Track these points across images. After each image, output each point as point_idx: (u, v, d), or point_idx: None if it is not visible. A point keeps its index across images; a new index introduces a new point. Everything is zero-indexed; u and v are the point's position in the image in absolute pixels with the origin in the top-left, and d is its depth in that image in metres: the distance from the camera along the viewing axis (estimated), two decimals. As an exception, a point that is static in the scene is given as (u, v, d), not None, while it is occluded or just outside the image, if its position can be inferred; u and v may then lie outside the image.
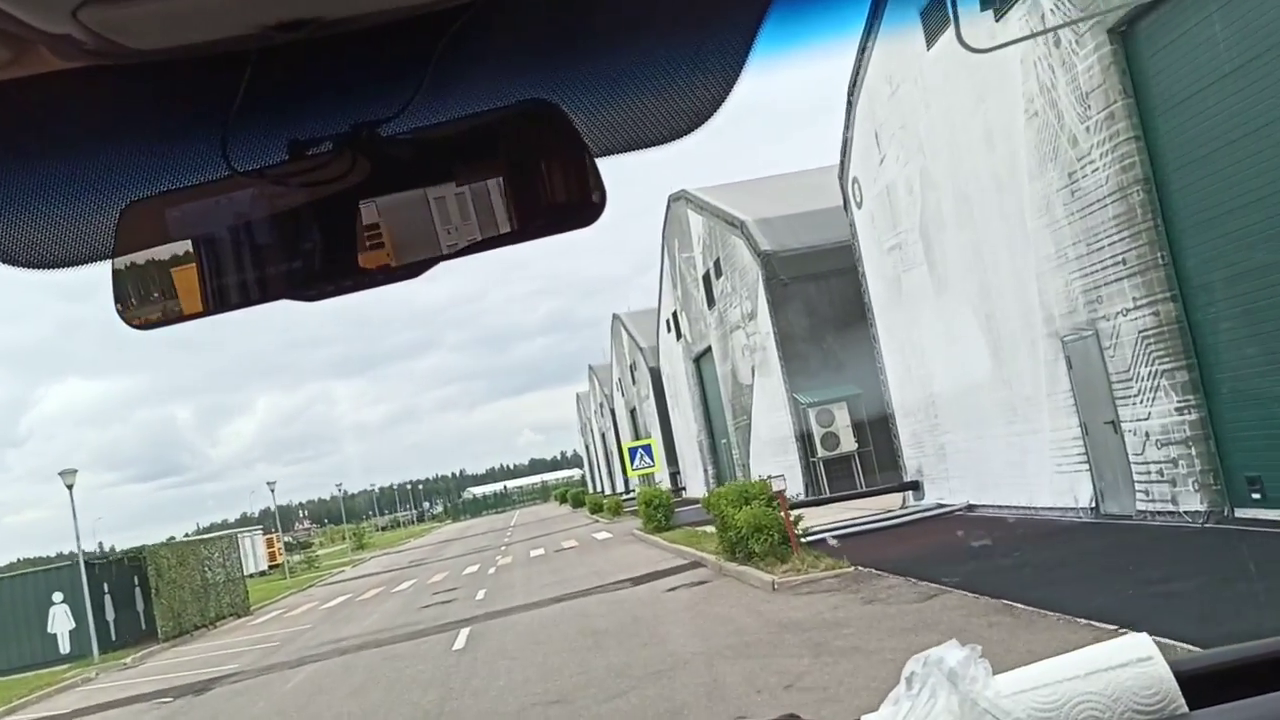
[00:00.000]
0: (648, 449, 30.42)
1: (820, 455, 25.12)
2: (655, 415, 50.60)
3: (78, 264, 0.93)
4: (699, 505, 31.72)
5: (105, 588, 28.67)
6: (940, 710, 1.23)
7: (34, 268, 0.92)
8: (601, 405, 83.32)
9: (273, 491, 48.75)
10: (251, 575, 67.39)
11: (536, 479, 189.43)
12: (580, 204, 0.89)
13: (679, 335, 40.76)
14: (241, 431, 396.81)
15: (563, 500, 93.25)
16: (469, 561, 37.01)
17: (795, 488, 25.35)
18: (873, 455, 25.21)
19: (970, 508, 15.94)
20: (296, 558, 69.41)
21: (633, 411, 62.71)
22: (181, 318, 0.90)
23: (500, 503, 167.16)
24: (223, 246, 0.89)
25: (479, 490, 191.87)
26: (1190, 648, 5.25)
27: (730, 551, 16.01)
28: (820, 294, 26.11)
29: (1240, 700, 1.20)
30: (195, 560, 31.57)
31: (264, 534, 76.78)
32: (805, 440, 25.82)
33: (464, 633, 15.91)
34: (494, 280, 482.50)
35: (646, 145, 0.94)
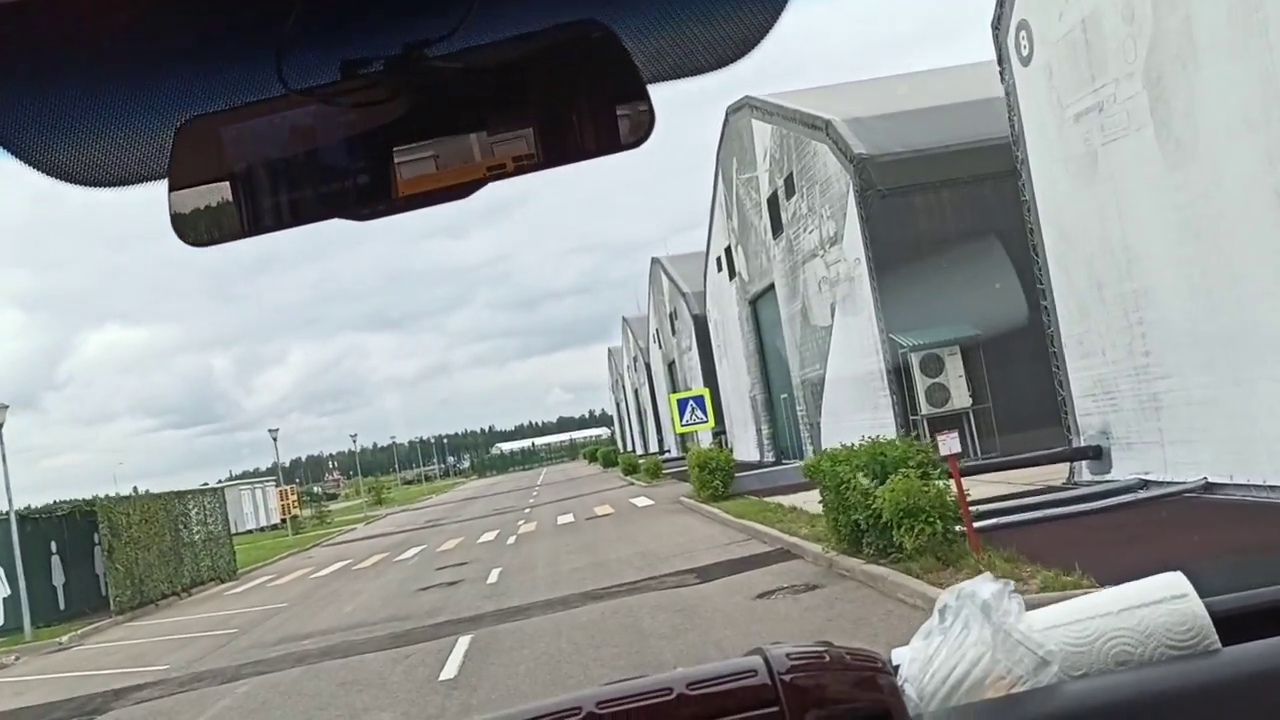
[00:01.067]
0: (700, 401, 25.43)
1: (924, 413, 20.00)
2: (698, 368, 45.54)
3: (135, 182, 0.94)
4: (753, 471, 27.06)
5: (53, 547, 24.06)
6: (973, 641, 1.25)
7: (92, 185, 0.93)
8: (635, 359, 78.36)
9: (275, 440, 44.28)
10: (262, 529, 63.51)
11: (565, 437, 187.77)
12: (629, 125, 0.88)
13: (732, 274, 35.64)
14: (275, 382, 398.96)
15: (592, 459, 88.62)
16: (487, 526, 32.26)
17: (889, 452, 20.27)
18: (991, 413, 20.06)
19: (1209, 486, 10.81)
20: (308, 512, 65.22)
21: (671, 365, 57.66)
22: (235, 235, 0.89)
23: (528, 460, 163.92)
24: (276, 165, 0.89)
25: (507, 446, 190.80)
26: None
27: (850, 541, 11.00)
28: (930, 209, 20.87)
29: (1275, 638, 1.21)
30: (165, 517, 26.89)
31: (276, 486, 72.76)
32: (903, 394, 20.70)
33: (460, 648, 11.01)
34: (525, 239, 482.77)
35: (692, 73, 0.93)
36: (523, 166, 0.90)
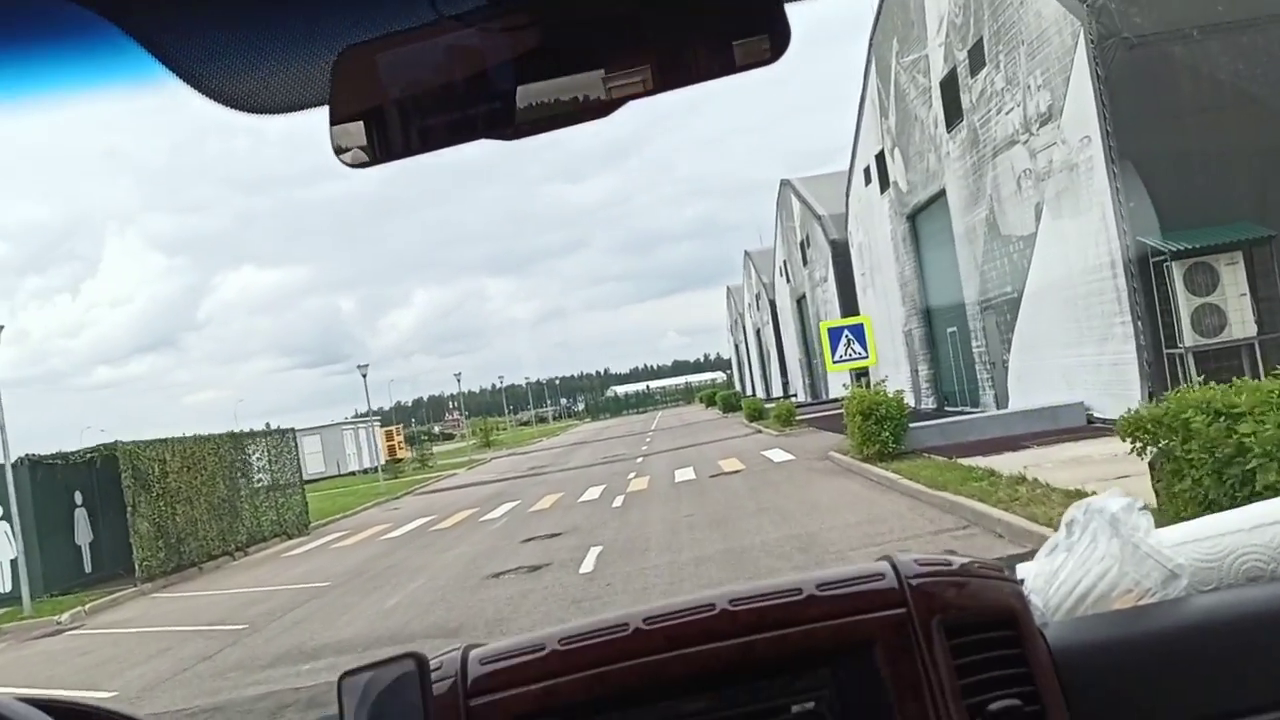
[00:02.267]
0: (857, 331, 20.08)
1: (1188, 344, 14.36)
2: (835, 300, 40.03)
3: (296, 108, 0.98)
4: (920, 423, 21.71)
5: (77, 499, 20.18)
6: (1100, 555, 1.25)
7: (257, 112, 0.97)
8: (758, 296, 72.82)
9: (364, 376, 40.20)
10: (365, 471, 60.43)
11: (680, 380, 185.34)
12: (767, 37, 0.89)
13: (885, 185, 29.94)
14: (399, 323, 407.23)
15: (710, 402, 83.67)
16: (593, 478, 27.57)
17: (1131, 397, 14.73)
18: (1286, 346, 14.31)
19: None
20: (412, 454, 61.93)
21: (800, 300, 52.15)
22: (390, 156, 0.94)
23: (642, 402, 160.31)
24: (430, 88, 0.94)
25: (622, 389, 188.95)
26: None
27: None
28: (1196, 64, 15.01)
29: None
30: (216, 463, 22.83)
31: (381, 425, 69.80)
32: (1153, 320, 15.05)
33: None
34: (642, 182, 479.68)
35: None
36: (651, 87, 0.91)
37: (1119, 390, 16.11)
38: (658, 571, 11.18)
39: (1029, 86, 17.97)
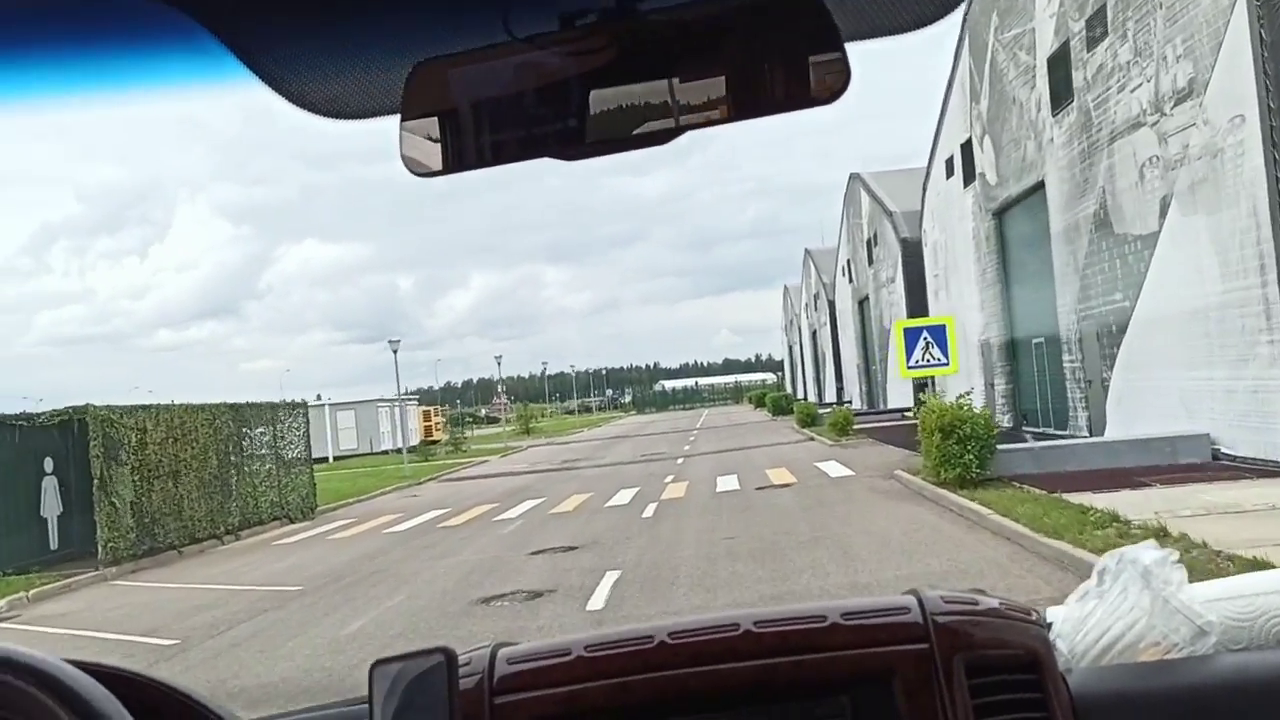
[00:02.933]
0: (938, 334, 17.48)
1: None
2: (903, 303, 37.20)
3: (369, 115, 1.02)
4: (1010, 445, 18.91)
5: (47, 466, 18.05)
6: (1130, 606, 1.25)
7: (331, 117, 1.02)
8: (816, 296, 69.88)
9: (395, 352, 37.99)
10: (398, 451, 58.56)
11: (730, 379, 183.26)
12: (822, 80, 0.91)
13: (970, 177, 27.13)
14: (455, 305, 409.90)
15: (759, 403, 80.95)
16: (626, 479, 25.14)
17: (1274, 432, 11.95)
18: None
19: None
20: (445, 437, 59.87)
21: (863, 302, 49.25)
22: (454, 169, 0.97)
23: (690, 399, 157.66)
24: (497, 106, 0.96)
25: (670, 384, 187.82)
26: None
27: None
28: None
29: None
30: (210, 436, 20.64)
31: (418, 405, 67.88)
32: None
33: None
34: (705, 179, 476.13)
35: (889, 32, 0.96)
36: (715, 119, 0.93)
37: (1258, 423, 13.31)
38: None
39: (1164, 58, 15.13)
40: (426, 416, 67.08)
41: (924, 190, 33.14)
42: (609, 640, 1.24)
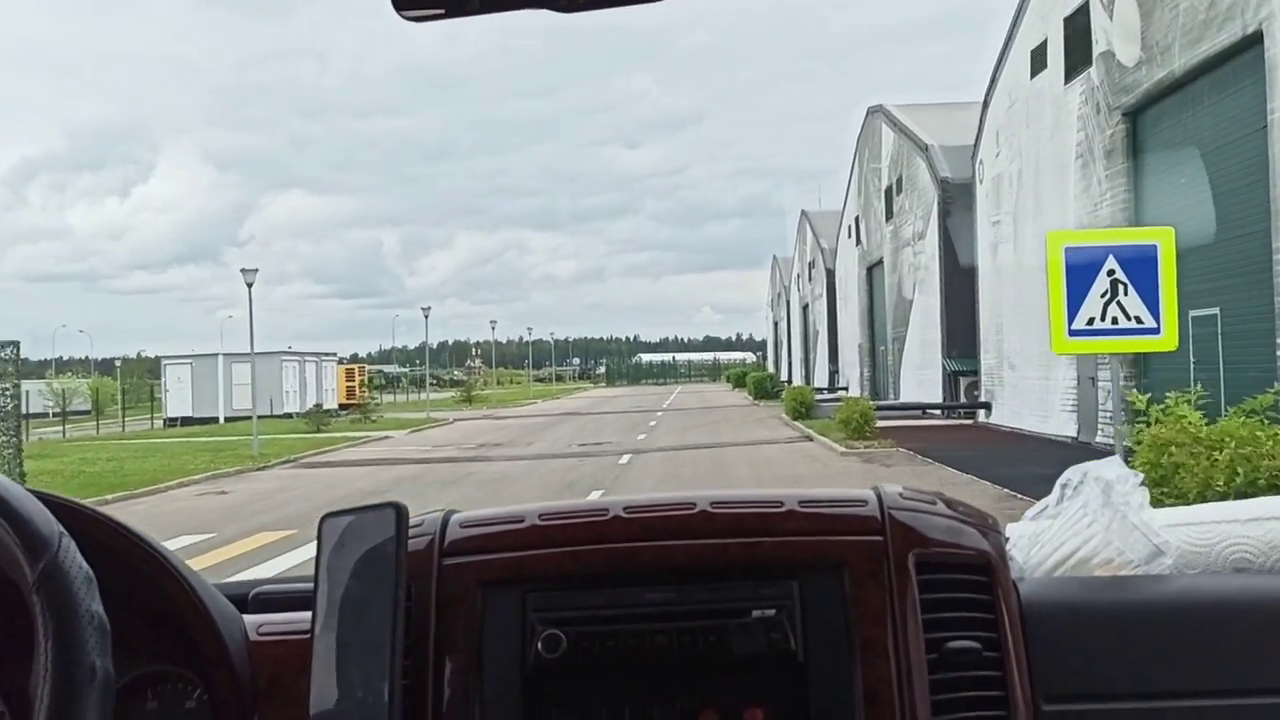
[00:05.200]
0: (1140, 265, 8.03)
1: None
2: (936, 262, 28.08)
3: None
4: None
5: None
6: (1089, 520, 1.26)
7: None
8: (812, 265, 60.65)
9: (396, 315, 28.52)
10: (305, 414, 49.24)
11: (709, 356, 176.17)
12: None
13: (1082, 60, 17.83)
14: (438, 265, 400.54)
15: (738, 383, 71.77)
16: (528, 488, 16.02)
17: None
18: None
19: None
20: (344, 415, 50.46)
21: (873, 268, 40.06)
22: (452, 13, 0.94)
23: (665, 373, 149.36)
24: None
25: (649, 357, 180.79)
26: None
27: None
28: None
29: None
30: None
31: (340, 363, 58.36)
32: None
33: None
34: (698, 155, 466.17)
35: None
36: None
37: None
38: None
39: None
40: (349, 376, 57.65)
41: (985, 107, 23.87)
42: (564, 510, 1.25)
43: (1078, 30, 18.13)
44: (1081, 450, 17.63)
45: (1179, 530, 1.26)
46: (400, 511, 1.06)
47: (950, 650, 1.11)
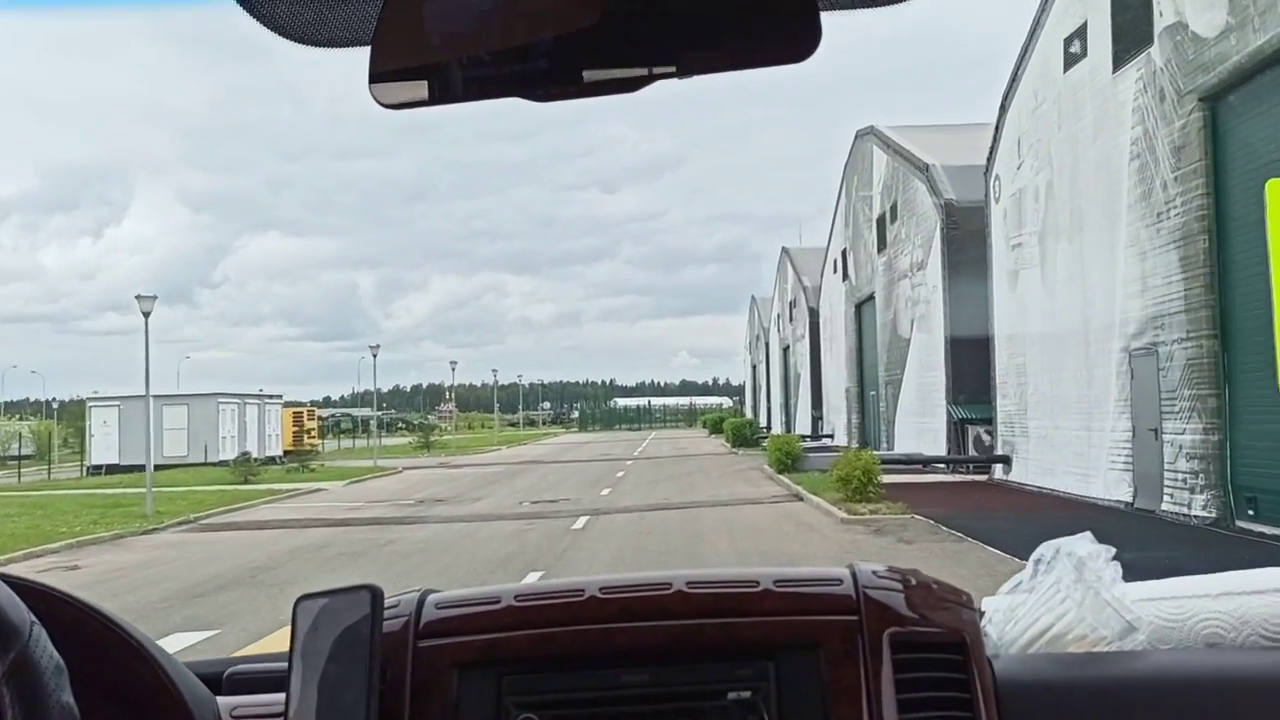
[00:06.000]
0: None
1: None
2: (939, 291, 24.71)
3: (340, 44, 1.01)
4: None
5: None
6: (1062, 596, 1.26)
7: (301, 42, 1.00)
8: (793, 304, 57.34)
9: (374, 357, 24.67)
10: (244, 457, 45.32)
11: (685, 400, 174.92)
12: (798, 36, 0.90)
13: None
14: (414, 308, 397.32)
15: (714, 429, 68.22)
16: (455, 572, 12.25)
17: None
18: None
19: None
20: (315, 446, 46.51)
21: (863, 304, 36.65)
22: (427, 102, 0.97)
23: (641, 418, 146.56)
24: (471, 42, 0.96)
25: (624, 402, 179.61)
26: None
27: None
28: None
29: None
30: None
31: (287, 406, 54.38)
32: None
33: None
34: (676, 201, 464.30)
35: (867, 4, 0.95)
36: (690, 68, 0.92)
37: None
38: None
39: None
40: (296, 419, 53.66)
41: (1001, 112, 20.57)
42: (540, 591, 1.23)
43: (1131, 4, 14.84)
44: (1145, 521, 14.07)
45: (1152, 605, 1.27)
46: (375, 594, 1.07)
47: None
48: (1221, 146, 12.92)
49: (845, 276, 39.31)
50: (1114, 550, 1.30)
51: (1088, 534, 1.33)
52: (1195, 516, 13.24)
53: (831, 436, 43.01)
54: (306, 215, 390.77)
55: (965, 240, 24.52)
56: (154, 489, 29.60)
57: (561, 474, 34.22)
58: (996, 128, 20.93)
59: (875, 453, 23.75)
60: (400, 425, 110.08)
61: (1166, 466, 14.07)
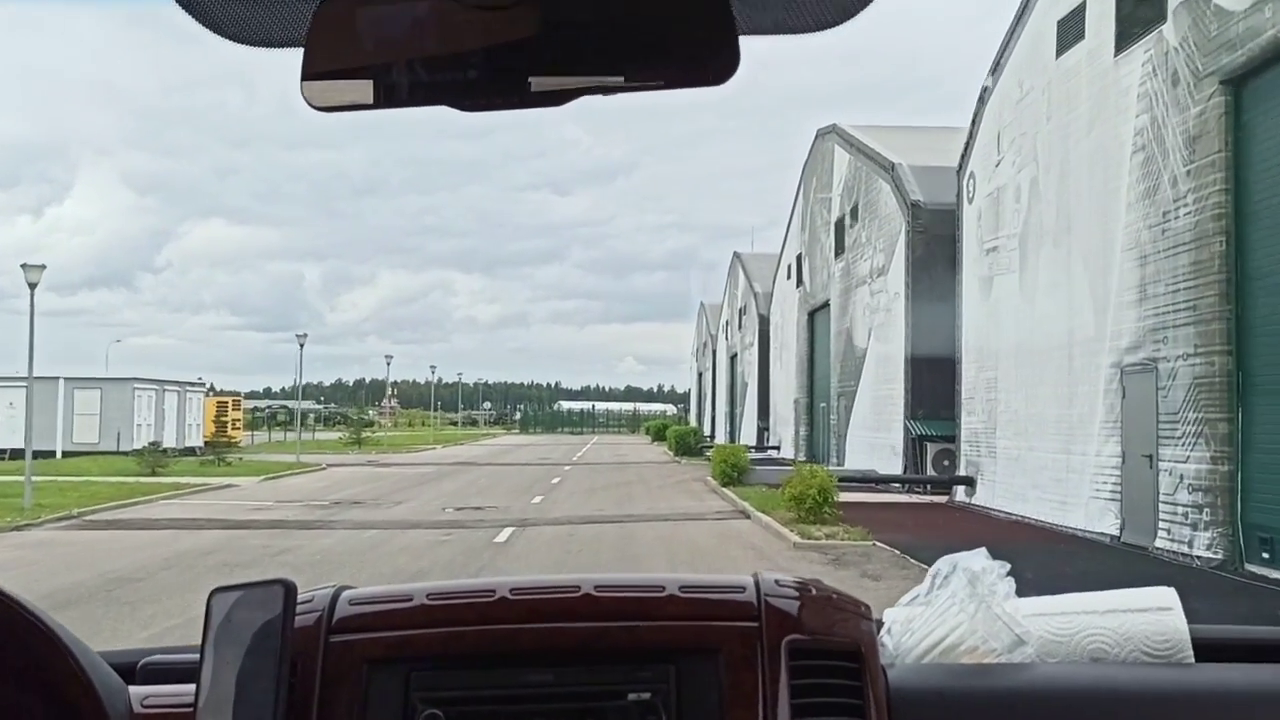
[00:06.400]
0: None
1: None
2: (901, 297, 23.20)
3: (271, 45, 1.01)
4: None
5: None
6: (956, 610, 1.30)
7: (235, 40, 0.99)
8: (742, 311, 55.79)
9: (301, 346, 22.37)
10: (162, 450, 42.72)
11: (630, 406, 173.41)
12: (716, 61, 0.91)
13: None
14: (360, 302, 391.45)
15: (658, 436, 66.45)
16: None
17: None
18: None
19: None
20: (240, 438, 44.03)
21: (815, 312, 35.08)
22: (358, 107, 0.98)
23: (584, 422, 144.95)
24: (402, 48, 0.96)
25: (569, 405, 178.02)
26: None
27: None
28: None
29: (1249, 664, 1.28)
30: None
31: (210, 394, 51.77)
32: None
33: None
34: (627, 206, 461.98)
35: (789, 30, 0.96)
36: (613, 87, 0.93)
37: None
38: None
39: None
40: (221, 409, 51.00)
41: (980, 103, 19.02)
42: (451, 590, 1.25)
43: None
44: (1137, 559, 12.49)
45: (1041, 620, 1.31)
46: (288, 588, 1.07)
47: None
48: (1245, 135, 11.37)
49: (799, 282, 37.72)
50: (1008, 566, 1.33)
51: (983, 550, 1.36)
52: (1197, 557, 11.66)
53: (778, 448, 41.42)
54: (253, 204, 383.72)
55: (932, 244, 23.01)
56: (56, 477, 27.29)
57: (495, 478, 32.31)
58: (973, 121, 19.39)
59: (829, 468, 22.15)
60: (339, 419, 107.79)
61: (1163, 498, 12.49)
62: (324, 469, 36.63)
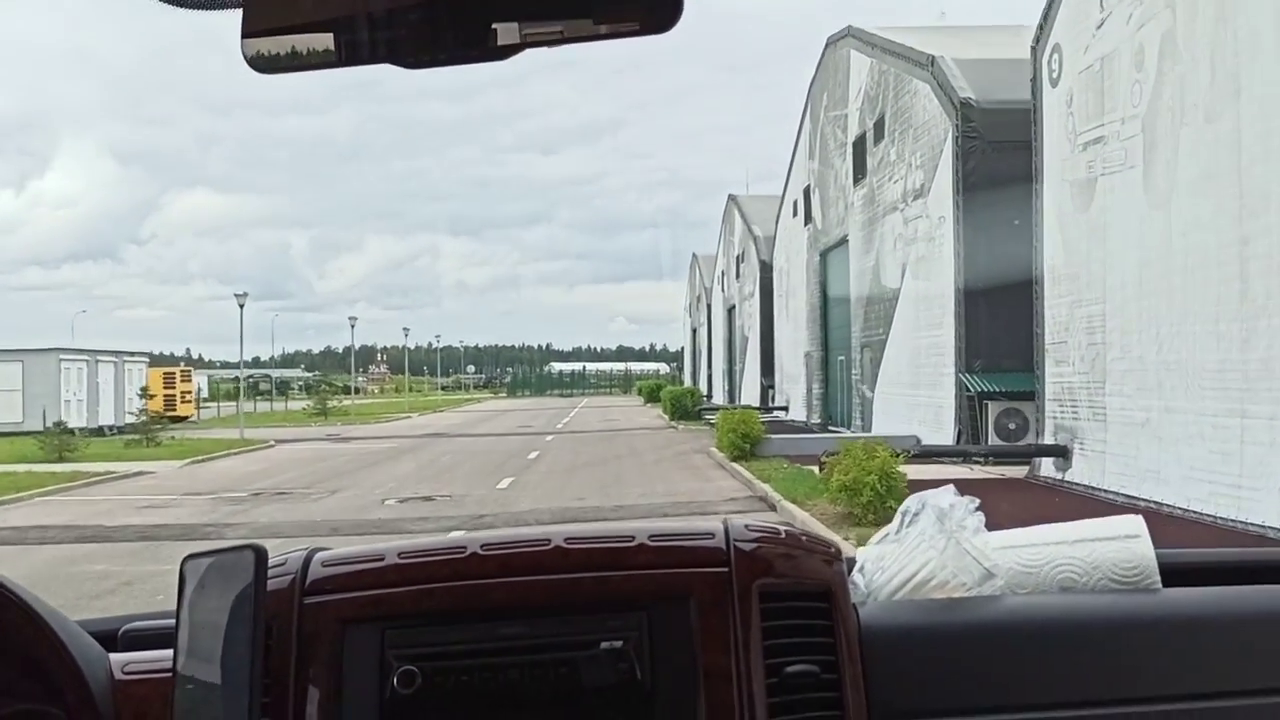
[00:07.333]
0: None
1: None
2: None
3: (212, 7, 0.98)
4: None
5: None
6: (926, 546, 1.30)
7: (175, 4, 0.96)
8: (740, 258, 51.00)
9: (241, 306, 17.36)
10: (99, 430, 38.11)
11: (621, 366, 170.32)
12: (660, 9, 0.90)
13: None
14: (348, 269, 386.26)
15: (651, 397, 61.98)
16: None
17: None
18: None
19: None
20: (193, 414, 39.41)
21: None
22: (297, 68, 0.96)
23: (575, 384, 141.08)
24: (340, 5, 0.95)
25: (560, 366, 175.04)
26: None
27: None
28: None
29: (1215, 587, 1.31)
30: None
31: (151, 365, 47.01)
32: None
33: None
34: (615, 165, 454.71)
35: None
36: (556, 39, 0.92)
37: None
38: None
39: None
40: (169, 380, 46.32)
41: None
42: (423, 548, 1.26)
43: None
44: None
45: (1010, 553, 1.30)
46: (259, 552, 1.07)
47: (789, 675, 1.16)
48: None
49: (808, 220, 32.89)
50: (978, 501, 1.32)
51: (950, 486, 1.35)
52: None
53: (786, 409, 36.85)
54: (237, 171, 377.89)
55: (989, 153, 18.37)
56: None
57: (463, 453, 27.86)
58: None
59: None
60: (324, 387, 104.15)
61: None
62: (270, 446, 32.10)
